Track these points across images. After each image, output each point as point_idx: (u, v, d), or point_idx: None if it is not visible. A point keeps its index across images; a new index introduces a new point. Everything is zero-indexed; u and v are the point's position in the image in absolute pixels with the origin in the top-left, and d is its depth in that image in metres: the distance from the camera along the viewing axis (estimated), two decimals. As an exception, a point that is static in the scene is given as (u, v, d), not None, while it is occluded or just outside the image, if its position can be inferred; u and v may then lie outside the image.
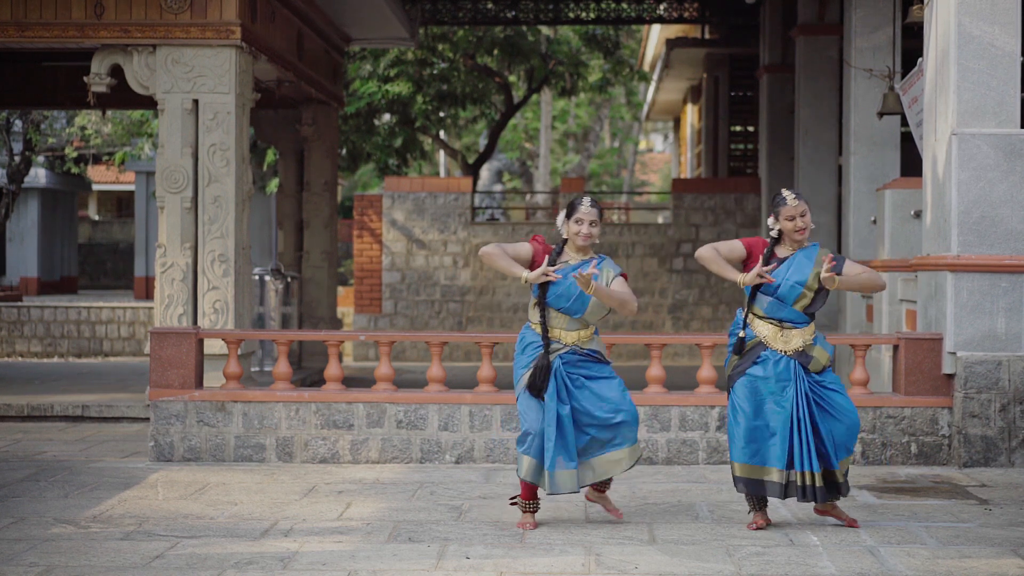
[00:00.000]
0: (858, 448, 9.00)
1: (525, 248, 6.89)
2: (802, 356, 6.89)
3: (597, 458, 6.88)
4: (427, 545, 6.48)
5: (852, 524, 6.93)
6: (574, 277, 6.67)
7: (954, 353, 8.97)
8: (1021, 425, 8.88)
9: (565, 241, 6.95)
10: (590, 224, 6.83)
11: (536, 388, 6.78)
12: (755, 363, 6.90)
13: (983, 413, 8.89)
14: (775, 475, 6.80)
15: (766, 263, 6.90)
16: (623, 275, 6.94)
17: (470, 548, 6.42)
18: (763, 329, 6.93)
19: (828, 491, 6.84)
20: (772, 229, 6.98)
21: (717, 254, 6.96)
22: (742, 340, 6.92)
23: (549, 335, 6.85)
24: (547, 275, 6.70)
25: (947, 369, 9.03)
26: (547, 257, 6.83)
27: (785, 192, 6.91)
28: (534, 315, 6.90)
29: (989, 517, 7.25)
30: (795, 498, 6.90)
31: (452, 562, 6.13)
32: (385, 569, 5.99)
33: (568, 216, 6.89)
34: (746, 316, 7.00)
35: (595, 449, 6.88)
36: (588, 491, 7.14)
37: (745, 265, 7.00)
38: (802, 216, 6.86)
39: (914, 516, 7.27)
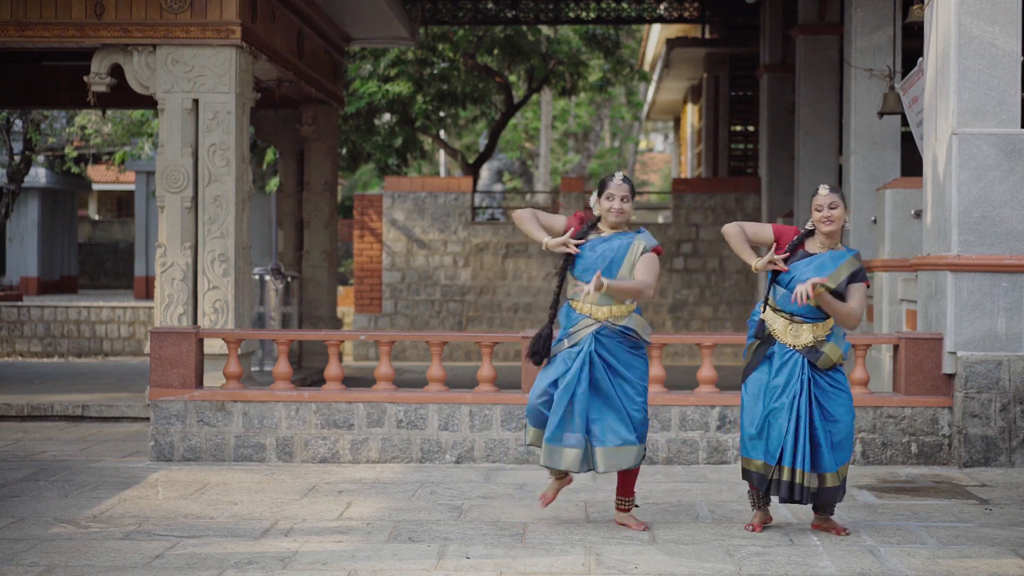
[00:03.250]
0: (858, 448, 9.00)
1: (560, 220, 6.83)
2: (811, 352, 6.73)
3: (601, 448, 6.70)
4: (427, 545, 6.48)
5: (841, 532, 6.77)
6: (593, 282, 6.50)
7: (954, 353, 8.97)
8: (1021, 425, 8.88)
9: (598, 219, 6.85)
10: (621, 199, 6.74)
11: (535, 355, 6.74)
12: (763, 361, 6.78)
13: (983, 413, 8.88)
14: (760, 467, 6.74)
15: (791, 252, 6.76)
16: (655, 250, 6.77)
17: (470, 548, 6.41)
18: (775, 322, 6.78)
19: (818, 494, 6.69)
20: (808, 221, 6.87)
21: (741, 232, 6.82)
22: (763, 323, 6.79)
23: (579, 310, 6.77)
24: (566, 245, 6.69)
25: (947, 369, 9.03)
26: (580, 229, 6.76)
27: (821, 185, 6.79)
28: (554, 283, 6.85)
29: (989, 517, 7.25)
30: (777, 496, 6.74)
31: (452, 562, 6.12)
32: (385, 569, 5.99)
33: (599, 193, 6.81)
34: (764, 306, 6.86)
35: (601, 435, 6.70)
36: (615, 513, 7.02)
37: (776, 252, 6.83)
38: (831, 207, 6.70)
39: (914, 516, 7.27)
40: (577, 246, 6.74)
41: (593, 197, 6.87)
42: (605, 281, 6.51)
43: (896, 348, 9.24)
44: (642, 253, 6.74)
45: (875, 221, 11.90)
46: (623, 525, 6.89)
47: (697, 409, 9.11)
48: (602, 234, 6.81)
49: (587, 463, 6.74)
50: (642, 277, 6.67)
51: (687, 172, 29.08)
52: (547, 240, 6.70)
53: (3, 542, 6.52)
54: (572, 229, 6.78)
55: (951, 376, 9.03)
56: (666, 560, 6.17)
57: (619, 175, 6.82)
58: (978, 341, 8.95)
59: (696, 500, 7.71)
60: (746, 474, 6.84)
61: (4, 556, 6.21)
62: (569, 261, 6.79)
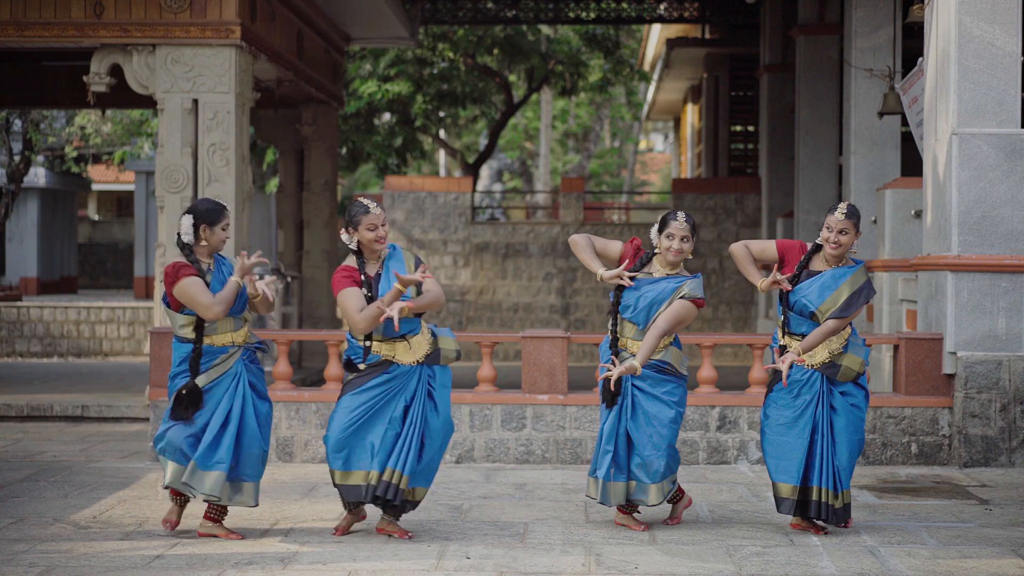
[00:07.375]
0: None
1: (616, 246, 6.83)
2: (829, 368, 6.69)
3: (632, 482, 6.82)
4: (427, 545, 6.47)
5: (819, 532, 6.77)
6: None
7: (954, 353, 8.97)
8: (1021, 425, 8.88)
9: (655, 253, 6.82)
10: (681, 239, 6.70)
11: (605, 397, 6.77)
12: (780, 384, 6.70)
13: (983, 413, 8.88)
14: (787, 491, 6.72)
15: (797, 272, 6.72)
16: (696, 301, 6.67)
17: (470, 548, 6.41)
18: (791, 345, 6.72)
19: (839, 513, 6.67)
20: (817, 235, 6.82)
21: (747, 252, 6.81)
22: (784, 348, 6.75)
23: (618, 343, 6.79)
24: (620, 277, 6.68)
25: (947, 369, 9.02)
26: (636, 261, 6.75)
27: (841, 203, 6.70)
28: (608, 321, 6.86)
29: (989, 517, 7.25)
30: (812, 515, 6.73)
31: (452, 562, 6.12)
32: (385, 569, 5.99)
33: (660, 230, 6.77)
34: (781, 332, 6.81)
35: (635, 471, 6.80)
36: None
37: (780, 270, 6.77)
38: (840, 233, 6.63)
39: (914, 516, 7.27)
40: (631, 279, 6.73)
41: (653, 231, 6.83)
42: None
43: (896, 348, 9.24)
44: (680, 297, 6.69)
45: (875, 221, 11.89)
46: (623, 526, 6.89)
47: (697, 409, 9.10)
48: (653, 274, 6.77)
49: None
50: (658, 321, 6.63)
51: (687, 172, 29.08)
52: (602, 272, 6.70)
53: (3, 542, 6.51)
54: (627, 262, 6.76)
55: (951, 376, 9.03)
56: (666, 560, 6.17)
57: (682, 214, 6.74)
58: (978, 341, 8.94)
59: (696, 500, 7.71)
60: (776, 499, 6.79)
61: (4, 556, 6.20)
62: (617, 295, 6.78)
